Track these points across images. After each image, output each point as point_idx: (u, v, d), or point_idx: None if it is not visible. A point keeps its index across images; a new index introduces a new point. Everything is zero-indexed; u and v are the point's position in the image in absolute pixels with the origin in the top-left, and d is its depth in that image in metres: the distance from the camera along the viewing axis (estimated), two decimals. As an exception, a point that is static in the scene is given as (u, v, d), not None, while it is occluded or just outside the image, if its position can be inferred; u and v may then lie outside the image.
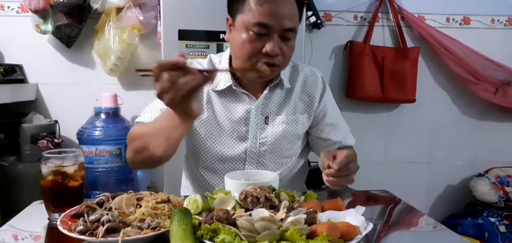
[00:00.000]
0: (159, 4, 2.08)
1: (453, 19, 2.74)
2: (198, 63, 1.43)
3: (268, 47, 1.24)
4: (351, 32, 2.70)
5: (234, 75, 1.39)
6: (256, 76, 1.30)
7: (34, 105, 2.54)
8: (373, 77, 2.61)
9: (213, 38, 2.06)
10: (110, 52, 2.35)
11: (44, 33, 2.41)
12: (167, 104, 0.98)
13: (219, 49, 2.03)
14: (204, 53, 2.06)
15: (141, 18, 2.32)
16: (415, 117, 2.79)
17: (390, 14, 2.68)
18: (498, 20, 2.77)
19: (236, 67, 1.35)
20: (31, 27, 2.41)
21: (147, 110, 1.38)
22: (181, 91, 0.95)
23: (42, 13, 2.33)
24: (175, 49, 2.05)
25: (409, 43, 2.69)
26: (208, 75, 1.01)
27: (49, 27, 2.36)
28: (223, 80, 1.39)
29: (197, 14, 2.05)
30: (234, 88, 1.38)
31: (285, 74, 1.43)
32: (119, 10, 2.33)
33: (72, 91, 2.56)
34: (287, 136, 1.42)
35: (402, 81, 2.62)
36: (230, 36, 1.34)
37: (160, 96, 0.96)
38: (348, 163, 1.10)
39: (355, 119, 2.72)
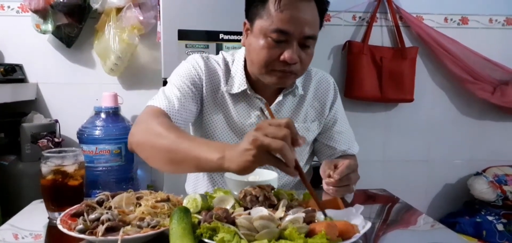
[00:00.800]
0: (159, 4, 2.09)
1: (451, 19, 2.75)
2: (214, 60, 1.39)
3: (286, 55, 1.20)
4: (350, 32, 2.71)
5: (249, 79, 1.36)
6: (275, 80, 1.27)
7: (34, 104, 2.55)
8: (372, 76, 2.62)
9: (213, 38, 2.07)
10: (110, 52, 2.35)
11: (44, 33, 2.41)
12: (256, 154, 0.88)
13: (219, 49, 2.03)
14: (204, 53, 2.06)
15: (141, 18, 2.33)
16: (413, 116, 2.80)
17: (389, 14, 2.68)
18: (496, 20, 2.77)
19: (252, 72, 1.32)
20: (31, 27, 2.41)
21: (161, 96, 1.29)
22: (277, 146, 0.86)
23: (42, 13, 2.33)
24: (175, 49, 2.05)
25: (407, 43, 2.69)
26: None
27: (49, 27, 2.36)
28: (238, 83, 1.36)
29: (196, 14, 2.06)
30: (249, 92, 1.35)
31: (299, 80, 1.41)
32: (119, 10, 2.34)
33: (72, 91, 2.57)
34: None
35: (400, 81, 2.63)
36: (247, 41, 1.30)
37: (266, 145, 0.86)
38: (348, 173, 1.11)
39: (353, 118, 2.69)
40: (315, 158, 1.58)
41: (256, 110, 1.37)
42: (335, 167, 1.12)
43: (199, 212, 0.95)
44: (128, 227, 0.87)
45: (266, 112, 1.07)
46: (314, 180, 1.61)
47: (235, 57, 1.40)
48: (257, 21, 1.23)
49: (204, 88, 1.36)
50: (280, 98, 1.37)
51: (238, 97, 1.37)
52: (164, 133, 1.10)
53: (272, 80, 1.27)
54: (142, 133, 1.17)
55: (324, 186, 1.15)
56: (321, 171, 1.16)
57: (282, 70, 1.24)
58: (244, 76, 1.35)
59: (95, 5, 2.33)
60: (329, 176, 1.11)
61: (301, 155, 1.46)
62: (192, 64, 1.37)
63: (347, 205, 1.04)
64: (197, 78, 1.35)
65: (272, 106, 1.36)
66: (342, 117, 1.50)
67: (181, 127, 1.26)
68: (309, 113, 1.43)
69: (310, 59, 1.29)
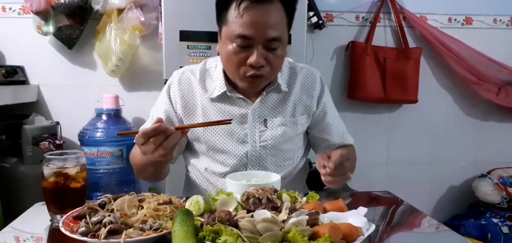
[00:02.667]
0: (160, 5, 2.09)
1: (455, 19, 2.74)
2: (191, 71, 1.44)
3: (251, 59, 1.23)
4: (353, 32, 2.70)
5: (229, 81, 1.38)
6: (247, 85, 1.31)
7: (36, 106, 2.54)
8: (375, 77, 2.61)
9: (215, 39, 2.02)
10: (111, 53, 2.35)
11: (45, 35, 2.41)
12: (155, 159, 1.13)
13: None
14: (206, 54, 2.05)
15: (142, 19, 2.32)
16: (417, 117, 2.79)
17: (392, 14, 2.67)
18: (500, 20, 2.76)
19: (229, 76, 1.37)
20: (32, 29, 2.41)
21: (148, 121, 1.46)
22: (166, 149, 1.09)
23: (43, 15, 2.33)
24: (177, 50, 2.05)
25: (411, 44, 2.68)
26: (186, 130, 1.18)
27: (51, 28, 2.36)
28: (218, 87, 1.38)
29: (198, 15, 2.05)
30: (229, 94, 1.37)
31: (282, 78, 1.42)
32: (120, 11, 2.33)
33: (74, 93, 2.56)
34: (287, 137, 1.42)
35: (404, 82, 2.62)
36: (218, 48, 1.34)
37: (147, 154, 1.11)
38: (342, 162, 1.11)
39: (357, 119, 2.72)
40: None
41: (241, 108, 1.39)
42: (329, 158, 1.12)
43: (201, 215, 0.94)
44: (131, 230, 0.88)
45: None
46: (315, 182, 1.59)
47: (218, 62, 1.42)
48: (223, 28, 1.27)
49: (177, 108, 1.41)
50: (262, 95, 1.39)
51: (220, 100, 1.39)
52: (133, 159, 1.43)
53: (244, 84, 1.31)
54: (134, 169, 1.47)
55: (322, 177, 1.15)
56: (317, 165, 1.17)
57: (251, 74, 1.26)
58: (224, 79, 1.37)
59: (96, 6, 2.33)
60: (324, 167, 1.12)
61: (294, 150, 1.47)
62: (166, 91, 1.44)
63: (350, 207, 1.03)
64: (169, 106, 1.42)
65: (256, 104, 1.38)
66: (332, 109, 1.51)
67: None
68: (297, 108, 1.44)
69: (280, 60, 1.30)
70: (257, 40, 1.22)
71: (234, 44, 1.23)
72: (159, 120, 1.09)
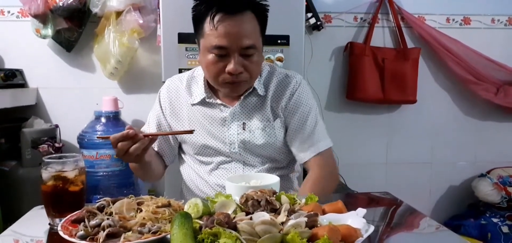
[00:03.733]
0: (159, 8, 2.08)
1: (453, 20, 2.74)
2: (179, 79, 1.54)
3: (228, 67, 1.31)
4: (351, 33, 2.70)
5: (211, 88, 1.46)
6: (228, 91, 1.40)
7: (35, 109, 2.54)
8: (374, 78, 2.61)
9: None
10: (110, 56, 2.35)
11: (44, 38, 2.41)
12: (125, 162, 1.25)
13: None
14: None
15: (141, 21, 2.32)
16: (416, 118, 2.79)
17: (390, 15, 2.68)
18: (499, 20, 2.76)
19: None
20: (31, 32, 2.41)
21: (145, 127, 1.57)
22: (133, 155, 1.21)
23: (42, 18, 2.32)
24: (175, 53, 2.05)
25: (410, 44, 2.68)
26: (154, 137, 1.30)
27: (49, 31, 2.36)
28: (199, 94, 1.47)
29: (197, 17, 2.05)
30: (208, 100, 1.45)
31: (260, 82, 1.46)
32: (118, 13, 2.33)
33: (73, 95, 2.56)
34: (265, 141, 1.46)
35: (403, 82, 2.62)
36: (199, 58, 1.41)
37: (119, 158, 1.24)
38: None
39: (356, 120, 2.72)
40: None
41: (221, 112, 1.45)
42: None
43: (200, 217, 0.94)
44: (129, 233, 0.88)
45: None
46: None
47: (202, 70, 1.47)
48: (201, 40, 1.35)
49: (167, 114, 1.52)
50: (241, 99, 1.44)
51: (203, 105, 1.47)
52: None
53: (225, 91, 1.41)
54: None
55: None
56: None
57: (230, 81, 1.34)
58: (204, 86, 1.46)
59: (95, 9, 2.33)
60: None
61: (276, 153, 1.49)
62: (158, 98, 1.55)
63: (349, 208, 1.03)
64: (159, 112, 1.53)
65: (235, 107, 1.45)
66: (302, 115, 1.46)
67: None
68: (272, 112, 1.47)
69: (257, 66, 1.37)
70: (233, 49, 1.29)
71: (212, 55, 1.31)
72: (129, 127, 1.21)
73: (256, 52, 1.34)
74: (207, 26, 1.30)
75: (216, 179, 1.48)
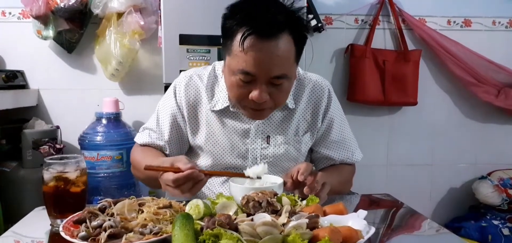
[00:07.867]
0: (160, 9, 2.09)
1: (454, 22, 2.74)
2: (199, 76, 1.40)
3: (253, 95, 1.18)
4: (352, 35, 2.70)
5: None
6: (249, 116, 1.29)
7: (36, 110, 2.54)
8: (375, 80, 2.61)
9: (214, 42, 2.06)
10: (111, 57, 2.35)
11: (45, 39, 2.41)
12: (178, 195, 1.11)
13: (220, 54, 2.02)
14: (205, 58, 2.05)
15: (142, 23, 2.33)
16: (417, 120, 2.79)
17: (391, 17, 2.68)
18: (499, 22, 2.76)
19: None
20: (32, 33, 2.41)
21: (144, 133, 1.45)
22: (193, 193, 1.10)
23: (43, 19, 2.33)
24: (176, 54, 2.05)
25: (410, 46, 2.68)
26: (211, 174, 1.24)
27: (50, 32, 2.36)
28: (221, 100, 1.36)
29: (198, 18, 2.05)
30: (232, 109, 1.35)
31: (290, 94, 1.35)
32: (119, 15, 2.34)
33: (74, 97, 2.57)
34: (289, 156, 1.40)
35: (404, 84, 2.62)
36: (223, 70, 1.30)
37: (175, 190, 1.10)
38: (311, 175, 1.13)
39: (356, 122, 2.72)
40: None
41: (243, 123, 1.36)
42: (292, 177, 1.15)
43: (201, 219, 0.94)
44: (131, 234, 0.88)
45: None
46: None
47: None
48: (227, 58, 1.21)
49: (184, 112, 1.39)
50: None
51: (223, 113, 1.37)
52: (135, 164, 1.42)
53: (246, 114, 1.29)
54: (132, 170, 1.48)
55: (304, 191, 1.12)
56: (284, 176, 1.19)
57: (253, 107, 1.23)
58: (227, 93, 1.32)
59: (96, 11, 2.33)
60: (292, 178, 1.14)
61: (293, 166, 1.44)
62: (172, 94, 1.40)
63: (350, 210, 1.03)
64: (176, 109, 1.39)
65: (259, 121, 1.35)
66: (339, 123, 1.46)
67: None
68: (301, 126, 1.40)
69: (285, 94, 1.26)
70: (260, 77, 1.16)
71: (237, 78, 1.18)
72: (192, 167, 1.08)
73: (286, 81, 1.21)
74: (236, 45, 1.14)
75: (226, 190, 1.36)
